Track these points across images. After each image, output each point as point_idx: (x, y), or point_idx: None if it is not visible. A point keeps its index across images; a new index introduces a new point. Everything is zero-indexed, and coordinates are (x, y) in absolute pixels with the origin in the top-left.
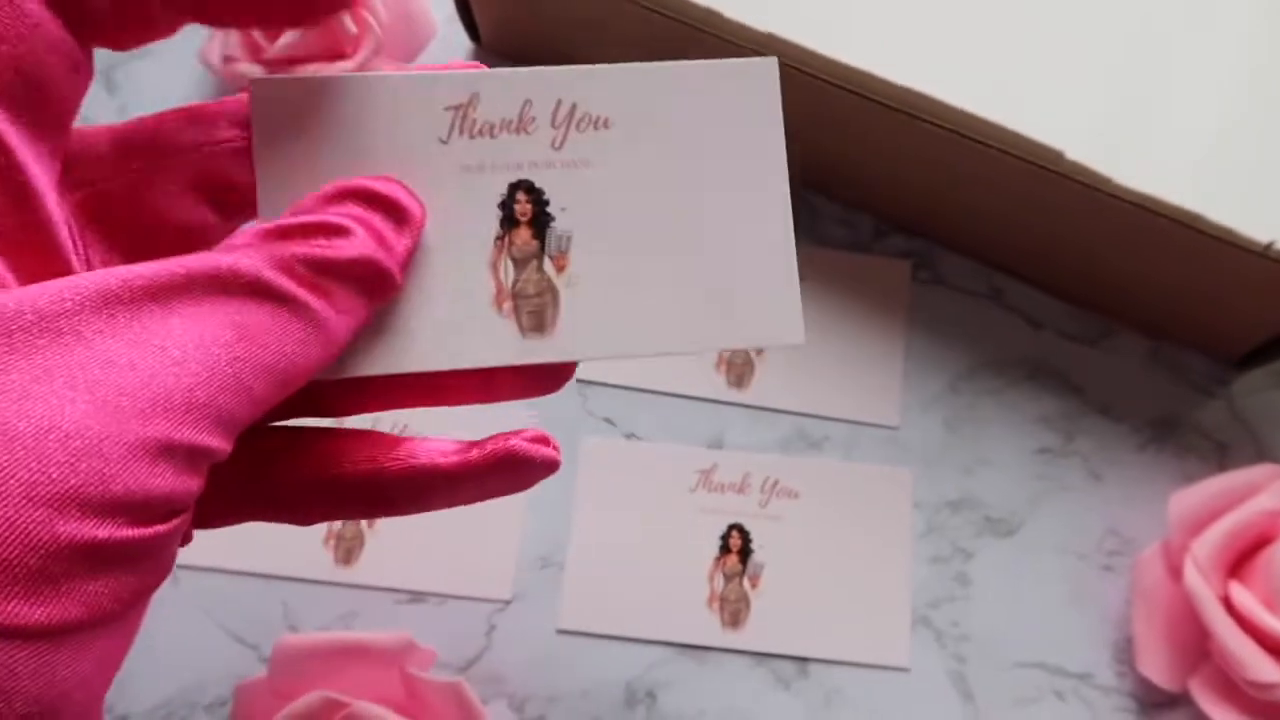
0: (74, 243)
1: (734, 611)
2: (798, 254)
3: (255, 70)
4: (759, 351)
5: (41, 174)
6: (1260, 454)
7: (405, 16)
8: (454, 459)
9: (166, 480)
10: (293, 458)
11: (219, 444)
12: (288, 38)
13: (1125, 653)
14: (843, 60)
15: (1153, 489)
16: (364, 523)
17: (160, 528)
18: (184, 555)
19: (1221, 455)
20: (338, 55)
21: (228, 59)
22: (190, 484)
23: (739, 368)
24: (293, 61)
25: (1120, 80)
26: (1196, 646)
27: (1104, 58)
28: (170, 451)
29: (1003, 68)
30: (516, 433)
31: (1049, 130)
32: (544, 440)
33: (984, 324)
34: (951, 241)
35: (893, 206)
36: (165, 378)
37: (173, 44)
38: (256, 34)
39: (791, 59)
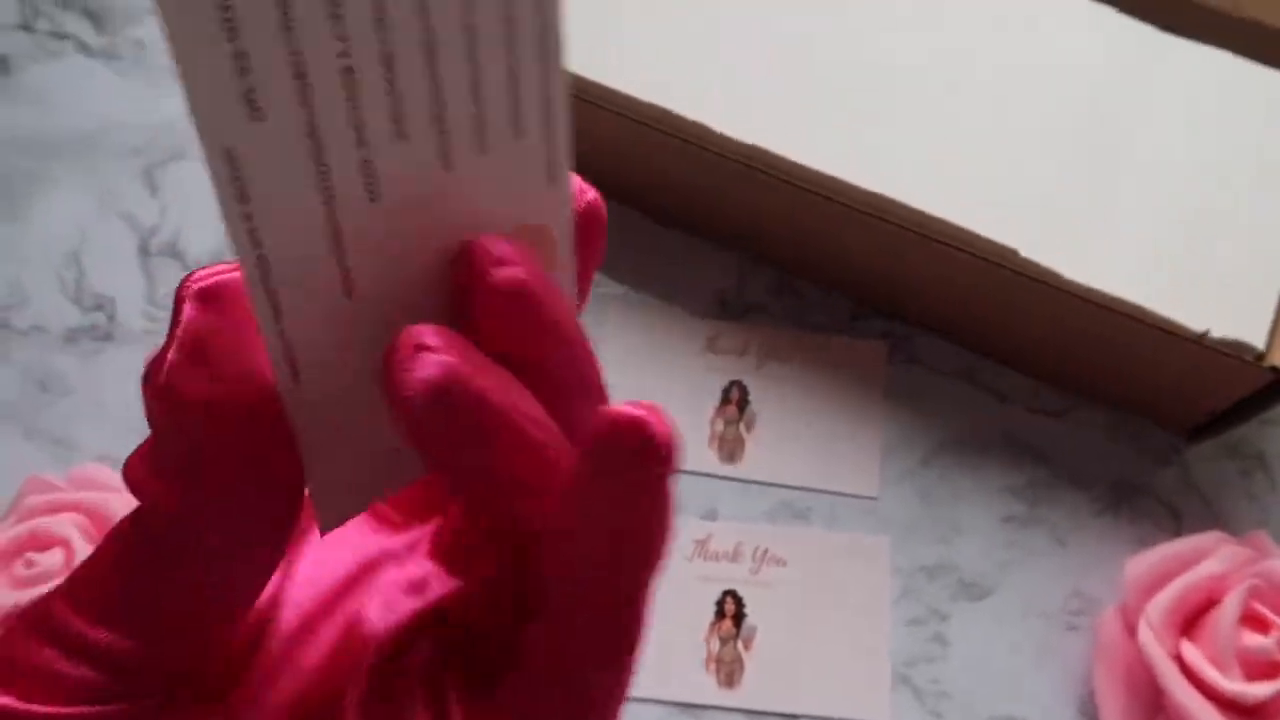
0: None
1: (729, 672)
2: (781, 336)
3: None
4: (749, 428)
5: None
6: (1213, 519)
7: None
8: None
9: None
10: None
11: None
12: None
13: (1090, 707)
14: (816, 168)
15: (1113, 552)
16: None
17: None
18: None
19: (1177, 521)
20: None
21: None
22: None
23: (730, 444)
24: None
25: (1069, 184)
26: (1153, 702)
27: (1054, 163)
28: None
29: (962, 173)
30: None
31: (1004, 230)
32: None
33: (955, 400)
34: (924, 324)
35: (868, 293)
36: None
37: None
38: None
39: (771, 167)
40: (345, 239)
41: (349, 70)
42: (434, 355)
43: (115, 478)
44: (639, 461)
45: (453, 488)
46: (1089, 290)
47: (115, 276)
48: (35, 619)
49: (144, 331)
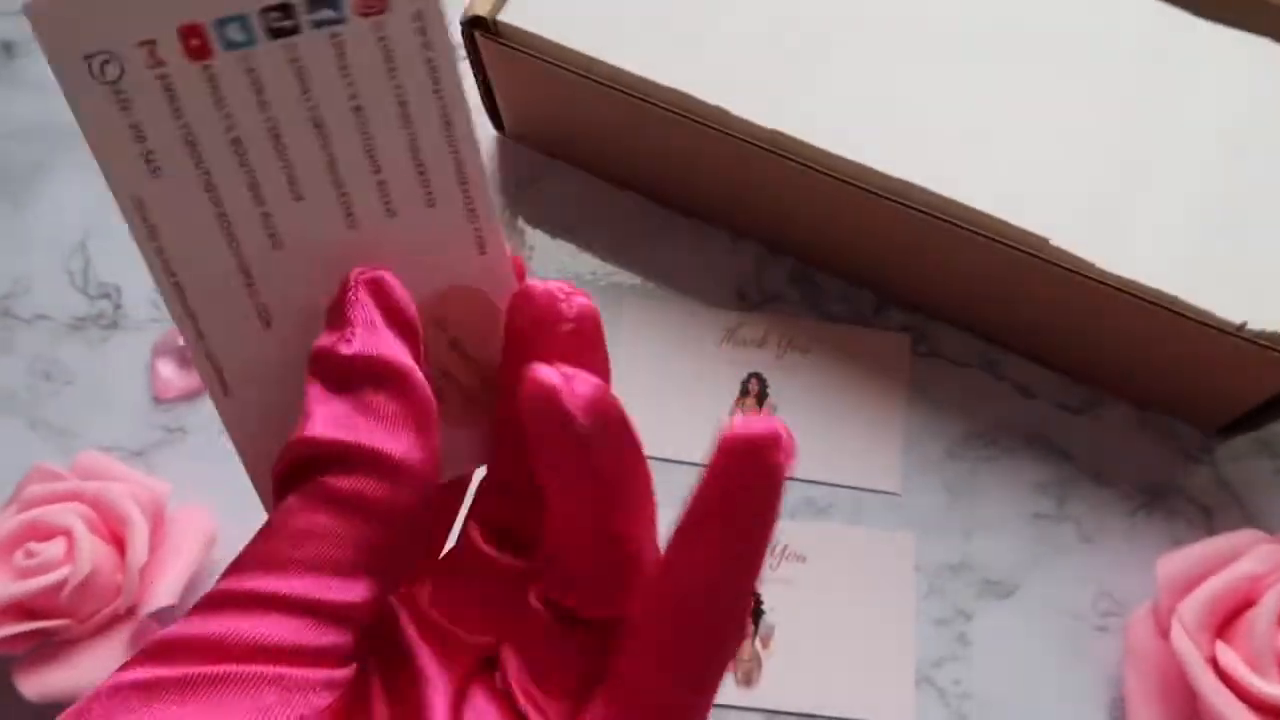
0: None
1: (747, 671)
2: (801, 327)
3: None
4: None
5: None
6: (1246, 519)
7: None
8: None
9: None
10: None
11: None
12: None
13: (1120, 711)
14: (840, 153)
15: (1143, 552)
16: None
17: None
18: None
19: (1208, 520)
20: None
21: None
22: None
23: None
24: None
25: (1101, 170)
26: (1186, 705)
27: (1086, 149)
28: None
29: (990, 159)
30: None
31: (1034, 218)
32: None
33: (980, 394)
34: (947, 316)
35: (891, 284)
36: None
37: None
38: None
39: (793, 153)
40: (255, 277)
41: (237, 140)
42: (584, 375)
43: (118, 467)
44: (771, 462)
45: (595, 511)
46: (1122, 280)
47: (122, 264)
48: (232, 596)
49: (150, 320)
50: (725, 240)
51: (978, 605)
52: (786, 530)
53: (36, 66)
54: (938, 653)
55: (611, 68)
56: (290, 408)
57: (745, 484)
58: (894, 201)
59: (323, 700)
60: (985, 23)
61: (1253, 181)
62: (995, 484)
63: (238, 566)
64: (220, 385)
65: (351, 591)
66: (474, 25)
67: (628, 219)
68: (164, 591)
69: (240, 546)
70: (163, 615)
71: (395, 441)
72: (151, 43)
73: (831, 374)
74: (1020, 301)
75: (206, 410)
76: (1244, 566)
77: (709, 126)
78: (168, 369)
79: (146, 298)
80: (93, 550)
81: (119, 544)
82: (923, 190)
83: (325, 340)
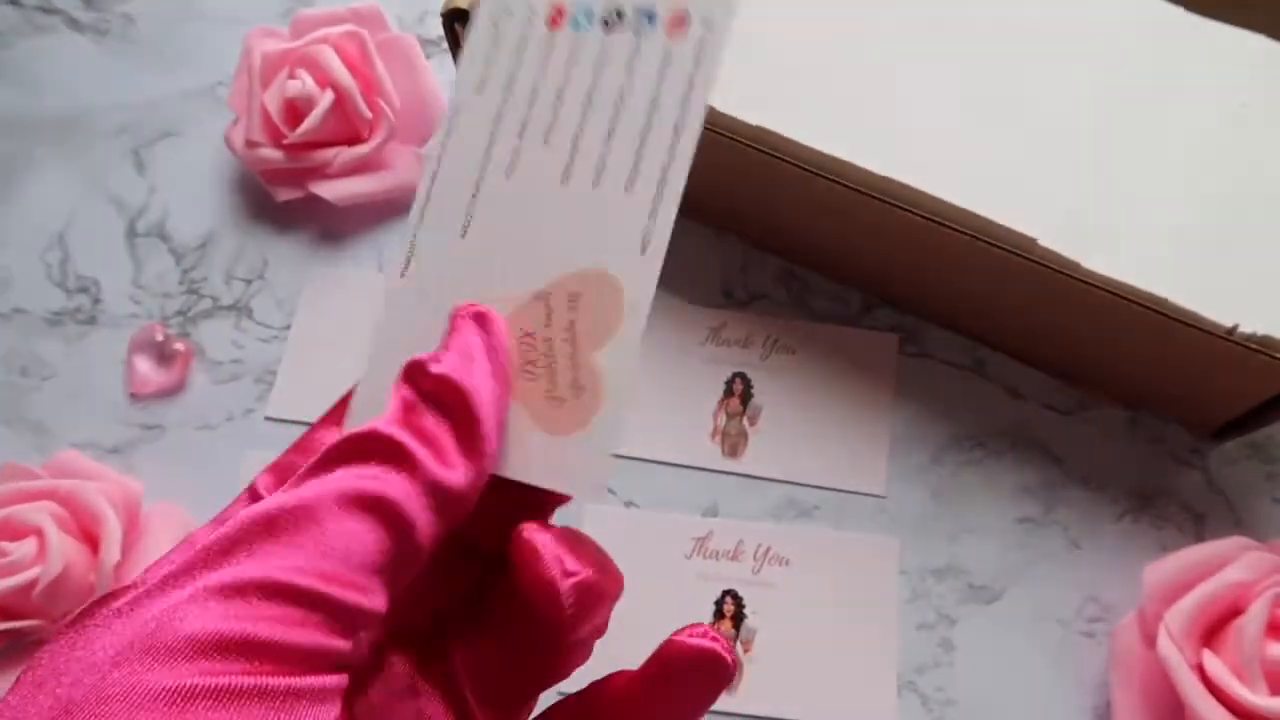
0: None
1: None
2: (788, 327)
3: (276, 155)
4: (753, 422)
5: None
6: (1236, 524)
7: (418, 101)
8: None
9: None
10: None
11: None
12: (309, 124)
13: (1105, 718)
14: (827, 151)
15: (1131, 558)
16: None
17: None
18: None
19: (1198, 525)
20: (355, 139)
21: (250, 143)
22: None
23: (733, 438)
24: (312, 146)
25: (1090, 172)
26: (1173, 714)
27: (1075, 149)
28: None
29: (979, 159)
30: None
31: (1022, 218)
32: (705, 635)
33: (967, 396)
34: (936, 316)
35: (880, 283)
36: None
37: (199, 126)
38: (277, 120)
39: (780, 150)
40: (480, 194)
41: (535, 89)
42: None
43: (91, 465)
44: (714, 680)
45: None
46: (1110, 282)
47: (101, 258)
48: (268, 587)
49: (129, 315)
50: (711, 237)
51: (962, 610)
52: (769, 532)
53: (17, 60)
54: (921, 658)
55: None
56: (442, 312)
57: (682, 696)
58: (882, 201)
59: (329, 715)
60: (975, 23)
61: (1245, 183)
62: (982, 487)
63: (258, 550)
64: (404, 265)
65: (367, 596)
66: (454, 17)
67: None
68: None
69: None
70: None
71: (445, 464)
72: (534, 9)
73: (817, 374)
74: (1009, 302)
75: (183, 407)
76: (1232, 574)
77: None
78: (145, 365)
79: (125, 292)
80: (64, 549)
81: (92, 542)
82: (911, 189)
83: (424, 355)
